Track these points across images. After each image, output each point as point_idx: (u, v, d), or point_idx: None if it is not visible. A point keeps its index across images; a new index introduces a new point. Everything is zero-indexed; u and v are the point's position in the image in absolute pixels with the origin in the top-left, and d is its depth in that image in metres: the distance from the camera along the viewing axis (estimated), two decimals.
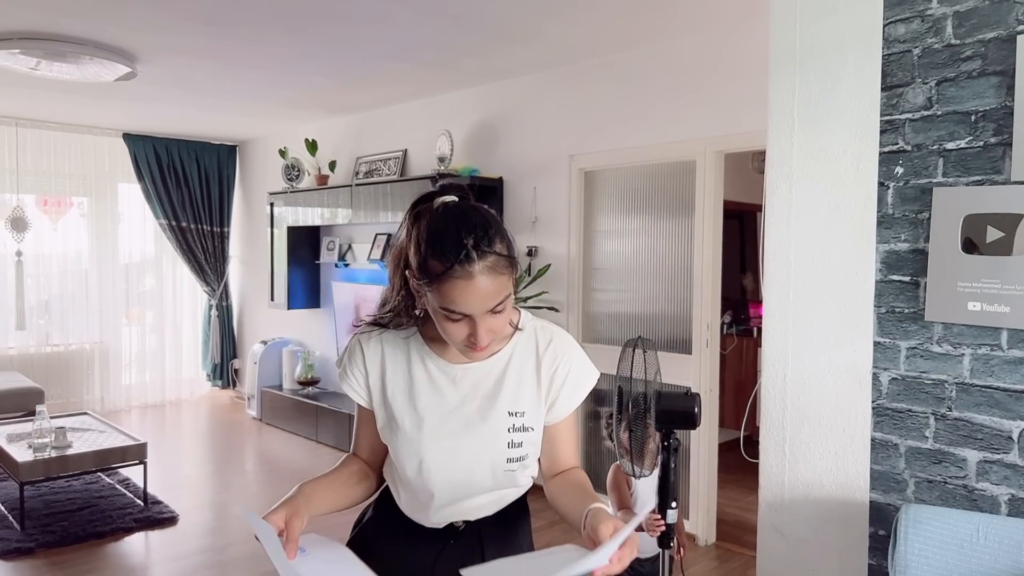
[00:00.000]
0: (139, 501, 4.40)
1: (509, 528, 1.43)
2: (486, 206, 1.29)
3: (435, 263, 1.17)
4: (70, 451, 4.20)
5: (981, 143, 1.85)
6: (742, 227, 6.33)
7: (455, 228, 1.18)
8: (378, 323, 1.39)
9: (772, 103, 2.23)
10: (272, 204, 6.69)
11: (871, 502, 2.06)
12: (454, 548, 1.39)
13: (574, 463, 1.44)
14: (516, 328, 1.38)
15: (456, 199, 1.26)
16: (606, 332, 4.45)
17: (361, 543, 1.45)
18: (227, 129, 6.96)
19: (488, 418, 1.33)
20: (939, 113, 1.92)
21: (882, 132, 2.01)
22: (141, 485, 4.42)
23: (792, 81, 2.17)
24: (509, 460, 1.34)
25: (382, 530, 1.44)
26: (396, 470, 1.40)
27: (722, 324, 4.33)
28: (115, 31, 3.89)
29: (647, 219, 4.24)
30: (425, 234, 1.20)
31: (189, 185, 7.34)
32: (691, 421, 1.91)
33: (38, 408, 4.39)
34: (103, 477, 4.78)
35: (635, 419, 2.09)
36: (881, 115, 2.01)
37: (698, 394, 1.95)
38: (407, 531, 1.41)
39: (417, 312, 1.32)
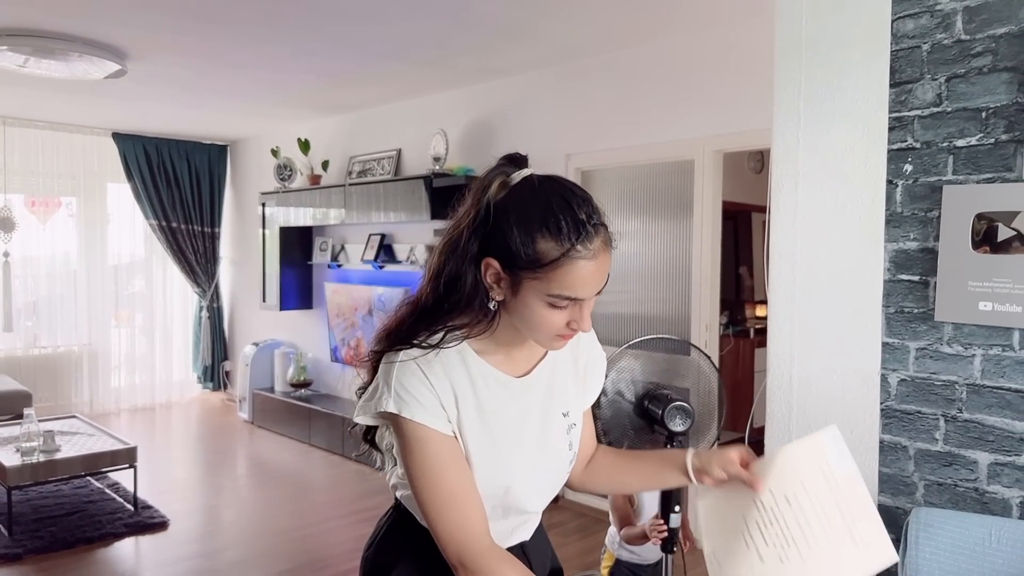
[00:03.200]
0: (129, 506, 4.33)
1: (543, 541, 1.41)
2: None
3: (551, 245, 1.03)
4: (59, 455, 4.13)
5: (992, 140, 1.82)
6: (736, 228, 6.31)
7: (567, 204, 1.05)
8: (426, 343, 1.14)
9: (777, 100, 2.19)
10: (264, 204, 6.63)
11: (879, 505, 2.02)
12: None
13: (596, 443, 1.45)
14: None
15: (539, 174, 1.11)
16: (603, 333, 4.37)
17: (378, 565, 1.32)
18: (218, 128, 6.89)
19: (550, 426, 1.27)
20: (949, 110, 1.89)
21: (890, 129, 1.98)
22: (131, 489, 4.35)
23: (798, 77, 2.14)
24: (569, 462, 1.32)
25: (401, 551, 1.30)
26: None
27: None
28: (105, 28, 3.82)
29: (645, 219, 4.21)
30: (529, 215, 1.05)
31: (179, 185, 7.26)
32: (665, 427, 1.88)
33: (25, 411, 4.32)
34: (92, 481, 4.70)
35: (639, 425, 2.06)
36: (889, 112, 1.97)
37: (678, 400, 1.90)
38: (430, 549, 1.18)
39: (492, 306, 1.12)
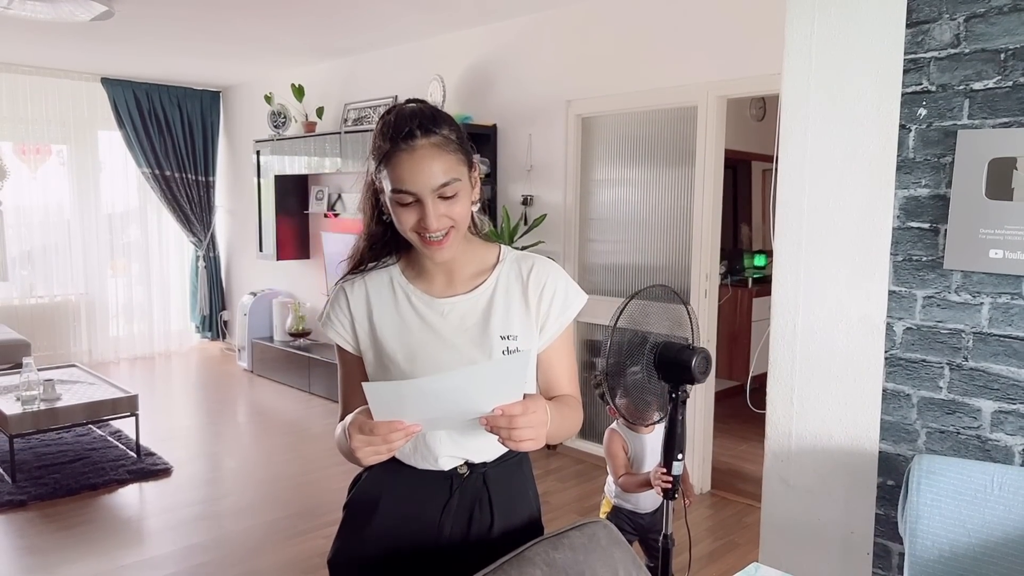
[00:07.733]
0: (132, 453, 4.36)
1: (512, 474, 1.40)
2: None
3: (384, 144, 1.22)
4: (59, 403, 4.14)
5: (1010, 83, 1.77)
6: (736, 177, 6.24)
7: (406, 116, 1.24)
8: (357, 267, 1.38)
9: (788, 42, 2.13)
10: (258, 152, 6.52)
11: (880, 452, 2.04)
12: (461, 496, 1.34)
13: (569, 391, 1.42)
14: (498, 259, 1.39)
15: (416, 103, 1.29)
16: (603, 283, 4.40)
17: (362, 503, 1.40)
18: (210, 74, 6.73)
19: (481, 345, 1.31)
20: (966, 51, 1.83)
21: (905, 72, 1.92)
22: (133, 437, 4.38)
23: (811, 18, 2.07)
24: None
25: (383, 487, 1.38)
26: None
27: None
28: None
29: (646, 167, 4.15)
30: (380, 126, 1.25)
31: (172, 132, 7.13)
32: (690, 375, 1.86)
33: (24, 360, 4.31)
34: (94, 429, 4.73)
35: (637, 372, 2.05)
36: (905, 53, 1.92)
37: (704, 348, 1.89)
38: (409, 485, 1.35)
39: (385, 218, 1.31)
